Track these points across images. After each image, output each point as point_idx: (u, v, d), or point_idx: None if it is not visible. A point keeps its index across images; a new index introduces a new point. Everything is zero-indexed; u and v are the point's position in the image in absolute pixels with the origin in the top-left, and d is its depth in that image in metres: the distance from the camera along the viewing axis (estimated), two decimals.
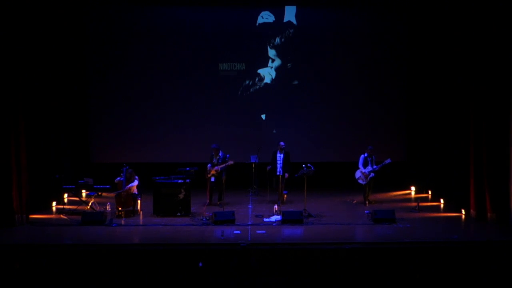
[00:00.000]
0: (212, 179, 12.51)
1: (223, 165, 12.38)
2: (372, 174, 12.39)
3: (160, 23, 14.73)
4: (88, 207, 12.09)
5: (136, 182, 11.79)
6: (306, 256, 9.26)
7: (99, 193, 12.40)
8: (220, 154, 12.57)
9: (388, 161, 11.97)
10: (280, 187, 12.64)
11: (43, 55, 12.29)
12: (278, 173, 12.61)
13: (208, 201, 12.67)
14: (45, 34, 12.28)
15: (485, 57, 10.90)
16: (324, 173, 13.85)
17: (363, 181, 12.46)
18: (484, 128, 10.98)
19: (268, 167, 12.81)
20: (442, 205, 12.77)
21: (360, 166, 12.43)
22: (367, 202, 12.63)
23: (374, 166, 12.29)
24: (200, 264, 8.95)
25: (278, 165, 12.60)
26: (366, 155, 12.41)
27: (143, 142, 14.90)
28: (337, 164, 14.86)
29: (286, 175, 12.54)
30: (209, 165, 12.53)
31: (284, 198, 12.83)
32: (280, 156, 12.62)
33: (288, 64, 15.05)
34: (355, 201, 13.05)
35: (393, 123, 15.09)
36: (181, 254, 9.25)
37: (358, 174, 12.56)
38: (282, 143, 12.72)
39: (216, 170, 12.40)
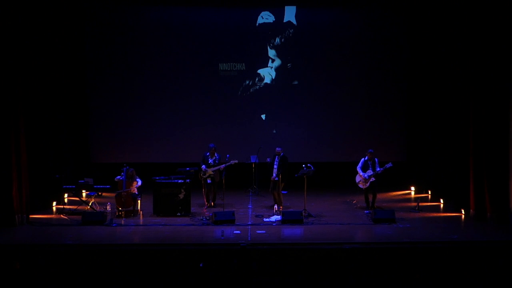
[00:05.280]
0: (208, 180, 12.38)
1: (226, 164, 12.27)
2: (372, 178, 11.98)
3: (160, 23, 14.74)
4: (88, 207, 12.09)
5: (139, 182, 11.80)
6: (306, 256, 9.26)
7: (99, 193, 12.39)
8: (216, 155, 12.49)
9: (389, 165, 11.79)
10: (276, 190, 12.16)
11: (43, 55, 12.29)
12: (272, 177, 12.09)
13: (207, 203, 12.54)
14: (45, 34, 12.29)
15: (485, 57, 10.90)
16: (324, 173, 13.85)
17: (362, 185, 12.18)
18: (484, 128, 10.98)
19: (268, 160, 12.38)
20: (442, 205, 12.77)
21: (359, 170, 12.14)
22: (370, 208, 12.08)
23: (377, 169, 11.89)
24: (201, 265, 8.95)
25: (274, 169, 12.12)
26: (366, 158, 12.07)
27: (143, 142, 14.91)
28: (337, 164, 14.87)
29: (276, 178, 11.91)
30: (203, 166, 12.42)
31: (281, 200, 12.29)
32: (276, 161, 12.16)
33: (288, 64, 15.05)
34: (355, 201, 13.01)
35: (393, 123, 15.10)
36: (181, 254, 9.25)
37: (357, 178, 12.26)
38: (278, 148, 12.15)
39: (214, 171, 12.32)
